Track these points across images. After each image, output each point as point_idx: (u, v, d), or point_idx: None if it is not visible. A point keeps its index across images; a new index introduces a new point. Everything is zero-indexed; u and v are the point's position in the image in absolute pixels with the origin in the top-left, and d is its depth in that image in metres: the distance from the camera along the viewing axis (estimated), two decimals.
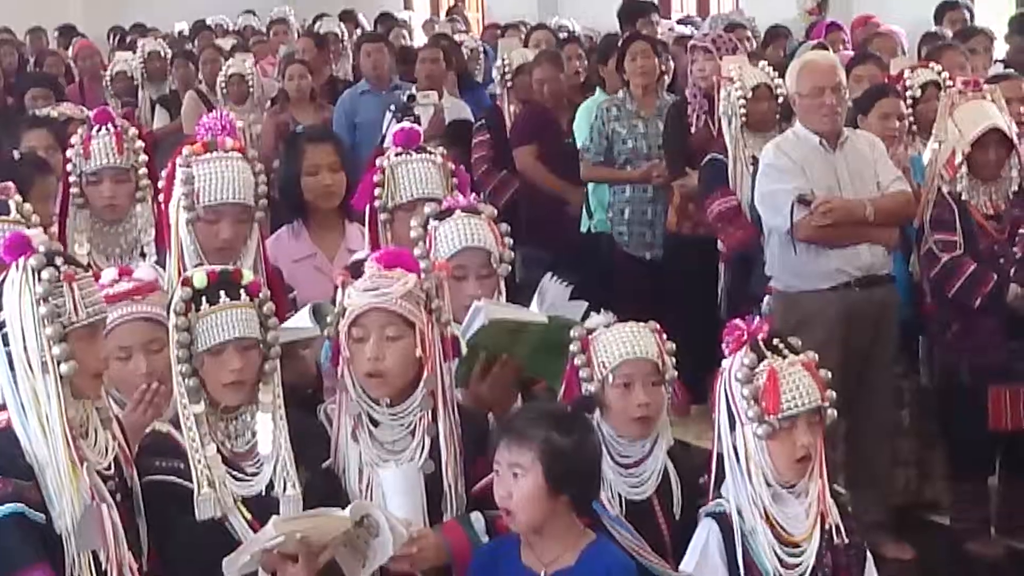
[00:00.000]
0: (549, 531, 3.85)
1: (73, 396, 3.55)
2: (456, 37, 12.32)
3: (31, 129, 6.42)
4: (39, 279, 3.51)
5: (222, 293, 3.87)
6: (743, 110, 7.53)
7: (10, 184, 4.55)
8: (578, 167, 8.98)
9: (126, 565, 3.58)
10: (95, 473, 3.56)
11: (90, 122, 5.39)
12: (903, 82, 7.46)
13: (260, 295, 3.93)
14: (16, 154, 6.32)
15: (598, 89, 9.49)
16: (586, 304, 4.46)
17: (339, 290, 4.06)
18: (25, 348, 3.51)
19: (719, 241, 7.80)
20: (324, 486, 3.94)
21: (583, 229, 9.15)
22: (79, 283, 3.55)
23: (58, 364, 3.51)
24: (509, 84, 9.74)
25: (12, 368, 3.54)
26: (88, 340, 3.56)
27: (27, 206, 4.46)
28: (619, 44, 9.34)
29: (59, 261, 3.55)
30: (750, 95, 7.56)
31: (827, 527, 3.88)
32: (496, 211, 4.65)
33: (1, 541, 3.47)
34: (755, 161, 7.33)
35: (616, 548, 3.90)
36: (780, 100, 7.57)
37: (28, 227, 4.21)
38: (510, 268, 4.58)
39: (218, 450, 3.83)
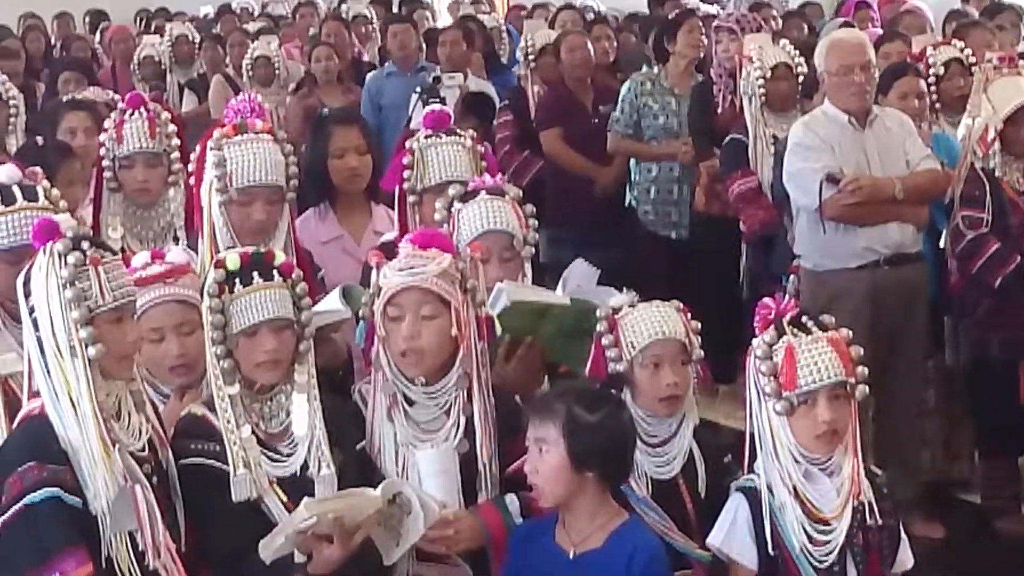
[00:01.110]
0: (578, 509, 3.87)
1: (103, 379, 3.58)
2: (482, 18, 12.30)
3: (71, 111, 6.41)
4: (65, 263, 3.53)
5: (255, 274, 3.88)
6: (762, 90, 7.52)
7: (38, 170, 4.57)
8: (604, 147, 8.99)
9: (163, 546, 3.60)
10: (128, 455, 3.58)
11: (123, 106, 5.41)
12: (926, 60, 7.44)
13: (293, 276, 3.95)
14: (39, 139, 6.36)
15: (644, 66, 9.47)
16: (613, 290, 4.45)
17: (373, 270, 4.08)
18: (53, 332, 3.54)
19: (740, 223, 7.79)
20: (358, 467, 3.95)
21: (624, 203, 9.12)
22: (105, 267, 3.58)
23: (85, 347, 3.53)
24: (533, 65, 9.73)
25: (43, 353, 3.57)
26: (116, 323, 3.58)
27: (55, 191, 4.47)
28: (668, 21, 9.34)
29: (85, 245, 3.57)
30: (769, 75, 7.54)
31: (859, 506, 3.89)
32: (521, 192, 4.66)
33: (38, 525, 3.49)
34: (776, 141, 7.35)
35: (646, 529, 3.93)
36: (801, 79, 7.56)
37: (56, 212, 4.22)
38: (534, 250, 4.59)
39: (253, 431, 3.84)
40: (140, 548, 3.56)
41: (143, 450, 3.65)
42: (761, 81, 7.51)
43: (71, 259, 3.54)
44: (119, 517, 3.53)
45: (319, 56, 10.17)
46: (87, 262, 3.55)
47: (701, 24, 8.96)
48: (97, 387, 3.54)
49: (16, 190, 4.32)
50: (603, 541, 3.85)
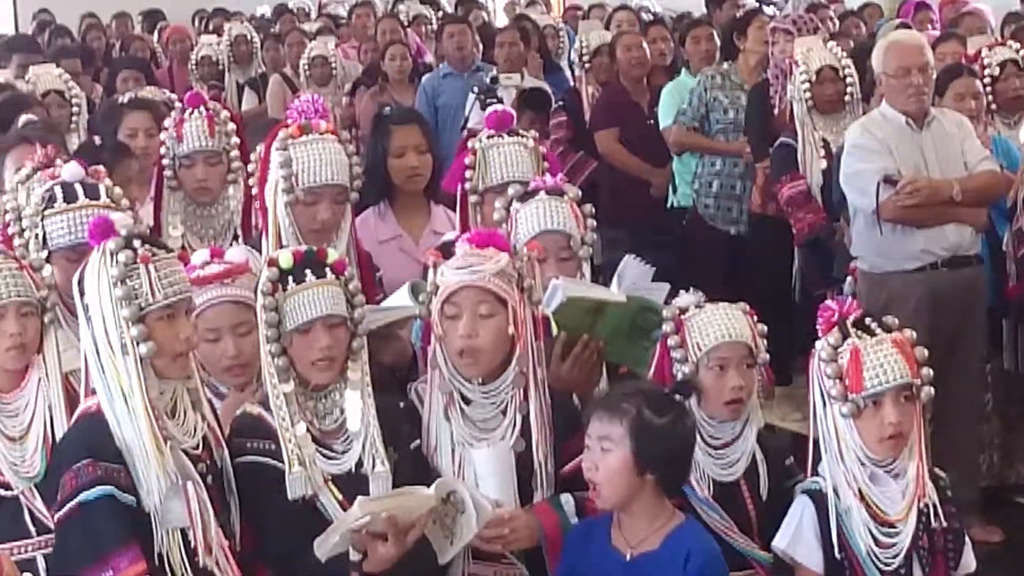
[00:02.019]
0: (636, 510, 3.86)
1: (157, 377, 3.60)
2: (536, 18, 12.30)
3: (132, 112, 6.46)
4: (115, 262, 3.56)
5: (308, 272, 3.89)
6: (807, 93, 7.50)
7: (101, 168, 4.61)
8: (660, 149, 8.98)
9: (215, 544, 3.61)
10: (182, 453, 3.60)
11: (183, 105, 5.44)
12: (981, 60, 7.40)
13: (346, 273, 3.95)
14: (97, 139, 6.41)
15: (683, 70, 9.47)
16: (668, 286, 4.46)
17: (431, 269, 4.08)
18: (105, 330, 3.57)
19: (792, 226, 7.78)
20: (413, 466, 3.96)
21: (667, 204, 9.13)
22: (157, 264, 3.59)
23: (136, 345, 3.55)
24: (588, 66, 9.73)
25: (98, 351, 3.60)
26: (167, 321, 3.60)
27: (117, 190, 4.52)
28: (737, 19, 9.36)
29: (137, 244, 3.59)
30: (814, 78, 7.52)
31: (924, 508, 3.87)
32: (580, 192, 4.64)
33: (92, 523, 3.52)
34: (825, 144, 7.34)
35: (702, 531, 3.91)
36: (848, 81, 7.54)
37: (118, 211, 4.26)
38: (591, 250, 4.57)
39: (307, 429, 3.85)
40: (192, 546, 3.58)
41: (197, 448, 3.67)
42: (807, 85, 7.49)
43: (122, 257, 3.56)
44: (169, 514, 3.55)
45: (393, 55, 10.23)
46: (137, 260, 3.57)
47: (767, 21, 8.95)
48: (149, 385, 3.56)
49: (78, 188, 4.36)
50: (659, 543, 3.84)
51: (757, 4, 11.63)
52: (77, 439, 3.66)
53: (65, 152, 5.70)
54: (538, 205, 4.49)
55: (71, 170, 4.43)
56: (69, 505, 3.54)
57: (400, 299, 4.40)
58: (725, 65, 8.92)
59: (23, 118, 6.56)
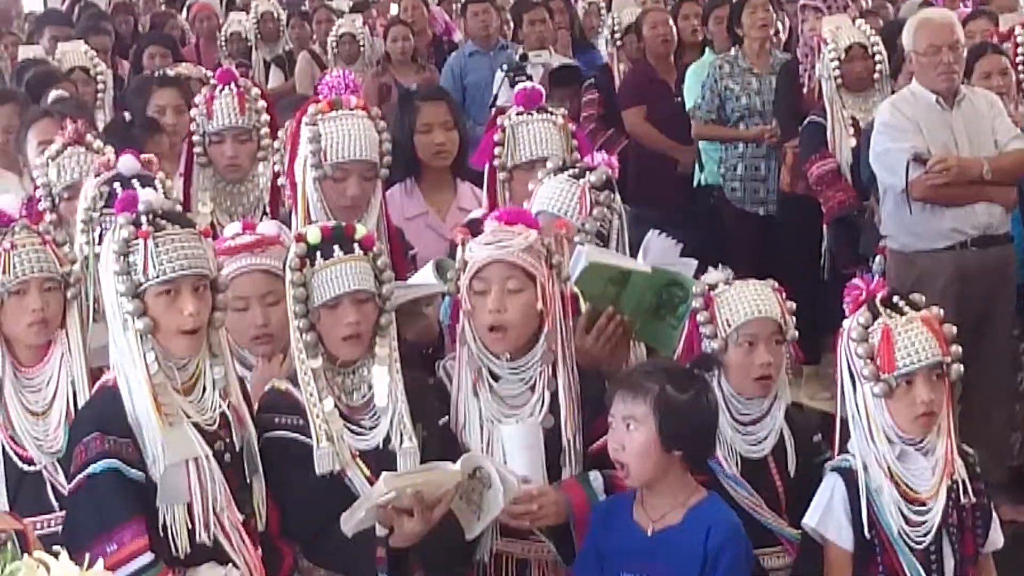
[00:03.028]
0: (660, 487, 3.86)
1: (166, 353, 3.61)
2: None
3: (161, 88, 6.47)
4: (117, 236, 3.58)
5: (336, 247, 3.89)
6: (837, 71, 7.47)
7: (152, 158, 4.64)
8: (687, 126, 8.95)
9: (226, 521, 3.62)
10: (191, 428, 3.60)
11: (214, 82, 5.45)
12: (1014, 38, 7.36)
13: (374, 249, 3.95)
14: (127, 116, 6.42)
15: (707, 50, 9.44)
16: (696, 262, 4.44)
17: (459, 246, 4.08)
18: (111, 304, 3.61)
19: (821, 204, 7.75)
20: (441, 442, 3.96)
21: (694, 183, 9.12)
22: (161, 240, 3.59)
23: (133, 320, 3.57)
24: (620, 43, 9.70)
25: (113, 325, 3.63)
26: (167, 297, 3.59)
27: (168, 182, 4.57)
28: (733, 4, 9.30)
29: (143, 220, 3.59)
30: (843, 55, 7.49)
31: (953, 486, 3.86)
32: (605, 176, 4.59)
33: (99, 496, 3.54)
34: (855, 122, 7.31)
35: (724, 506, 3.91)
36: (877, 59, 7.51)
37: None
38: (590, 235, 4.49)
39: (335, 405, 3.85)
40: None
41: (213, 425, 3.66)
42: (836, 63, 7.45)
43: (124, 232, 3.57)
44: (168, 491, 3.56)
45: (395, 35, 10.17)
46: (138, 235, 3.58)
47: (767, 2, 8.86)
48: (150, 360, 3.56)
49: (136, 184, 4.35)
50: (680, 518, 3.84)
51: None
52: (89, 412, 3.70)
53: (94, 128, 5.72)
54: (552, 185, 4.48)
55: (128, 164, 4.45)
56: (78, 478, 3.57)
57: (425, 276, 4.39)
58: (732, 51, 8.86)
59: (53, 93, 6.59)
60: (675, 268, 4.39)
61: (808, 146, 7.68)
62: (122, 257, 3.58)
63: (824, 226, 7.81)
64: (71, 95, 6.76)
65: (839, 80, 7.47)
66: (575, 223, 4.41)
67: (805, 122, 7.74)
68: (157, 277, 3.58)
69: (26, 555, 2.56)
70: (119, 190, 4.35)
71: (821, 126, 7.54)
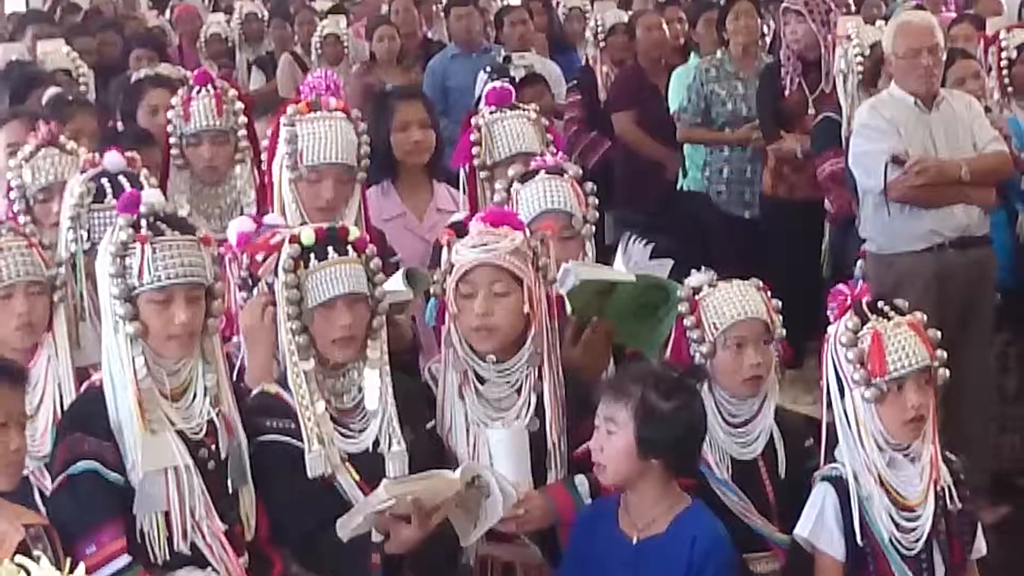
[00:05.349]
0: (642, 493, 3.85)
1: (157, 356, 3.61)
2: None
3: (153, 88, 6.42)
4: (115, 239, 3.58)
5: (330, 249, 3.88)
6: (860, 67, 7.44)
7: (136, 156, 4.63)
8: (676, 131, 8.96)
9: (206, 530, 3.62)
10: (175, 436, 3.60)
11: (190, 83, 5.43)
12: (998, 43, 7.36)
13: (367, 251, 3.95)
14: (119, 126, 6.39)
15: (692, 53, 9.43)
16: (671, 262, 4.45)
17: (444, 248, 4.08)
18: (105, 305, 3.61)
19: (827, 201, 7.71)
20: (428, 446, 3.96)
21: (677, 187, 9.11)
22: (158, 246, 3.58)
23: (124, 323, 3.57)
24: (603, 45, 9.70)
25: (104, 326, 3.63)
26: (160, 305, 3.59)
27: (153, 180, 4.57)
28: (721, 3, 9.30)
29: (143, 224, 3.58)
30: (868, 52, 7.45)
31: (940, 491, 3.86)
32: (582, 171, 4.62)
33: (78, 497, 3.55)
34: None
35: (709, 514, 3.90)
36: None
37: None
38: (595, 229, 4.55)
39: (325, 408, 3.85)
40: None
41: (199, 433, 3.65)
42: (860, 59, 7.39)
43: (122, 235, 3.57)
44: (145, 499, 3.55)
45: (381, 35, 10.14)
46: (136, 239, 3.57)
47: (751, 7, 8.84)
48: (139, 365, 3.56)
49: (123, 180, 4.34)
50: (665, 527, 3.83)
51: None
52: (74, 412, 3.71)
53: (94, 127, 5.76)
54: (539, 185, 4.47)
55: (113, 160, 4.44)
56: (59, 478, 3.58)
57: (394, 284, 4.37)
58: (719, 54, 8.84)
59: (51, 91, 6.57)
60: (652, 271, 4.40)
61: (822, 142, 7.59)
62: (118, 259, 3.57)
63: (826, 226, 7.81)
64: (75, 94, 6.75)
65: (861, 76, 7.31)
66: (579, 216, 4.43)
67: (819, 118, 7.67)
68: (151, 283, 3.58)
69: (6, 560, 2.55)
70: (106, 186, 4.37)
71: (835, 122, 7.44)
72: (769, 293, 4.19)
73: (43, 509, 3.80)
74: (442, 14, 11.93)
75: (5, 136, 5.59)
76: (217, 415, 3.68)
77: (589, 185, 4.55)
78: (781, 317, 4.19)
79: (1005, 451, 6.98)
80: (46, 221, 4.59)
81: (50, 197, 4.64)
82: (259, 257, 4.09)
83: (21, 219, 4.53)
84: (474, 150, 4.91)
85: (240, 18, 11.46)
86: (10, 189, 4.74)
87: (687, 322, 4.13)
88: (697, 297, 4.14)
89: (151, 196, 3.70)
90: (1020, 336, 7.00)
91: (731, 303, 4.11)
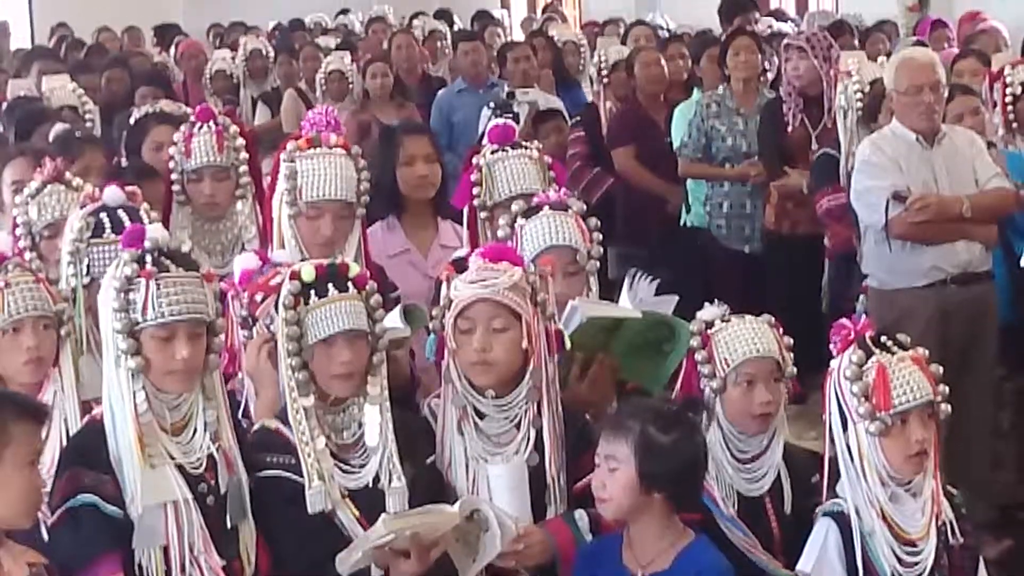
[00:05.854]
0: (645, 528, 3.85)
1: (156, 393, 3.62)
2: (557, 32, 12.29)
3: (159, 125, 6.41)
4: (120, 273, 3.59)
5: (330, 286, 3.88)
6: (859, 103, 7.45)
7: (136, 190, 4.64)
8: (677, 166, 8.97)
9: (204, 564, 3.62)
10: (175, 470, 3.61)
11: (192, 120, 5.44)
12: (1003, 79, 7.37)
13: (367, 287, 3.95)
14: (123, 162, 6.41)
15: (695, 89, 9.45)
16: (676, 298, 4.45)
17: (444, 283, 4.08)
18: (106, 338, 3.62)
19: (825, 238, 7.73)
20: (429, 481, 3.96)
21: (681, 223, 9.11)
22: (163, 282, 3.60)
23: (126, 358, 3.58)
24: (606, 81, 9.72)
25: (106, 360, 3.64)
26: (162, 341, 3.60)
27: (154, 213, 4.58)
28: (721, 40, 9.31)
29: (148, 259, 3.60)
30: (867, 88, 7.48)
31: (941, 526, 3.86)
32: (586, 206, 4.62)
33: (77, 530, 3.56)
34: None
35: (713, 549, 3.88)
36: None
37: None
38: (599, 264, 4.55)
39: (325, 444, 3.85)
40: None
41: (199, 468, 3.66)
42: (859, 95, 7.41)
43: (127, 270, 3.58)
44: (144, 533, 3.56)
45: (374, 72, 10.18)
46: (140, 274, 3.59)
47: (751, 43, 8.88)
48: (140, 399, 3.57)
49: (123, 215, 4.35)
50: (670, 562, 3.82)
51: (770, 22, 11.62)
52: (75, 445, 3.72)
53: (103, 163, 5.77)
54: (543, 220, 4.47)
55: (112, 195, 4.45)
56: (58, 512, 3.59)
57: (391, 320, 4.37)
58: (720, 89, 8.86)
59: (57, 127, 6.58)
60: (657, 307, 4.39)
61: (820, 178, 7.60)
62: (122, 294, 3.59)
63: (825, 262, 7.82)
64: (83, 130, 6.76)
65: (860, 112, 7.33)
66: (583, 251, 4.44)
67: (818, 154, 7.69)
68: (155, 320, 3.60)
69: None
70: (106, 220, 4.38)
71: (833, 159, 7.44)
72: (781, 330, 4.18)
73: None
74: (447, 51, 12.00)
75: (11, 173, 5.62)
76: (217, 450, 3.69)
77: (593, 221, 4.55)
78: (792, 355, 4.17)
79: (997, 487, 6.94)
80: (52, 257, 4.59)
81: (55, 233, 4.64)
82: (258, 298, 4.11)
83: (27, 255, 4.54)
84: (475, 190, 4.91)
85: (245, 54, 11.50)
86: (16, 226, 4.76)
87: (698, 356, 4.13)
88: (709, 332, 4.13)
89: (155, 231, 3.71)
90: (1015, 371, 6.99)
91: (743, 340, 4.10)
